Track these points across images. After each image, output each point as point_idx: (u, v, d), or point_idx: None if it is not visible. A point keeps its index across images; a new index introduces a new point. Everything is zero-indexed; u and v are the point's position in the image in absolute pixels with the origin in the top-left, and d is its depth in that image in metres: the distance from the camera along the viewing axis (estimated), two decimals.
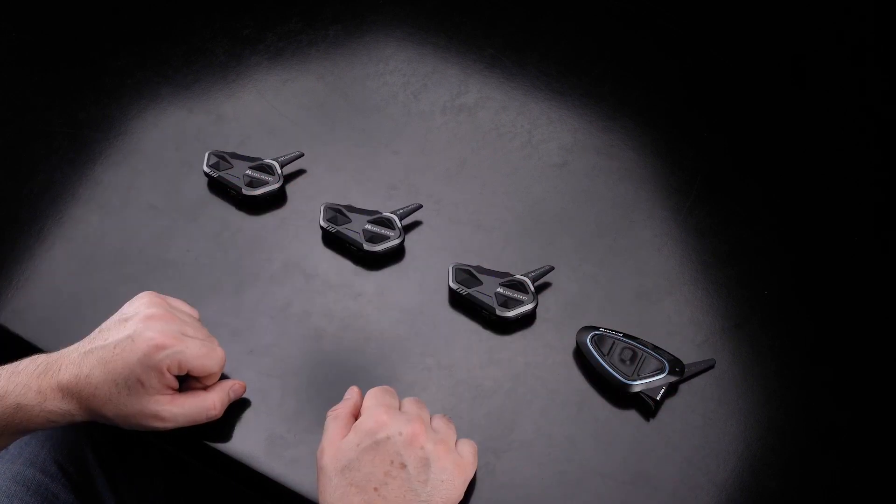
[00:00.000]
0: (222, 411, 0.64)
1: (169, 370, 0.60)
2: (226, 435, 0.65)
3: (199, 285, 0.73)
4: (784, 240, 0.75)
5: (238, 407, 0.66)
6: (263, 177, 0.76)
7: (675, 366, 0.65)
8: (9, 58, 0.90)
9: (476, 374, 0.67)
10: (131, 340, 0.59)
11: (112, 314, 0.63)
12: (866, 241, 0.75)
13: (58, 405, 0.60)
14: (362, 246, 0.72)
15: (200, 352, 0.61)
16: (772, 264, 0.73)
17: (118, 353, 0.59)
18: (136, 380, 0.59)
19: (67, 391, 0.59)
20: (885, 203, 0.78)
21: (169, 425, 0.61)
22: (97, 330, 0.63)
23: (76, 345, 0.62)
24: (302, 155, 0.79)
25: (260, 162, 0.77)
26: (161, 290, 0.65)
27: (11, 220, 0.77)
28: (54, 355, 0.62)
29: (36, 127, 0.84)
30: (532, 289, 0.69)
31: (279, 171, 0.77)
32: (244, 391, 0.66)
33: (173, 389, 0.61)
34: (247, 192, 0.76)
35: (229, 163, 0.77)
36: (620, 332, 0.67)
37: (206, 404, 0.62)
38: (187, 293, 0.71)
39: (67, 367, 0.60)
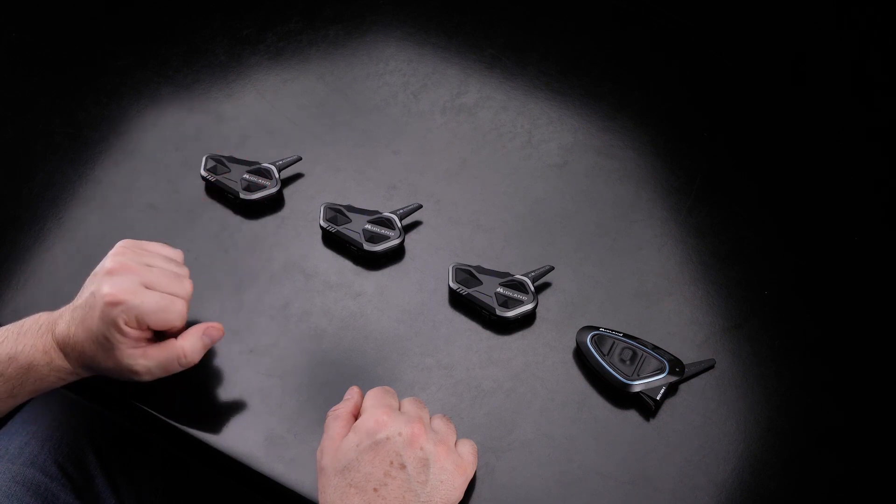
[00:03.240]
0: (197, 357, 0.63)
1: (127, 325, 0.59)
2: (225, 435, 0.65)
3: (199, 285, 0.72)
4: (784, 240, 0.75)
5: (238, 407, 0.66)
6: (261, 181, 0.76)
7: (675, 366, 0.65)
8: (9, 58, 0.90)
9: (476, 374, 0.67)
10: (93, 296, 0.59)
11: None
12: (866, 241, 0.75)
13: (62, 363, 0.60)
14: (362, 246, 0.72)
15: (158, 306, 0.59)
16: (772, 264, 0.73)
17: (88, 310, 0.59)
18: (103, 336, 0.58)
19: (64, 349, 0.60)
20: (886, 203, 0.78)
21: (146, 377, 0.61)
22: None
23: (75, 300, 0.62)
24: (300, 159, 0.79)
25: (257, 166, 0.77)
26: None
27: (11, 220, 0.77)
28: (55, 313, 0.62)
29: (36, 127, 0.84)
30: (532, 289, 0.69)
31: (276, 175, 0.77)
32: (221, 333, 0.65)
33: (147, 341, 0.61)
34: (244, 196, 0.76)
35: (227, 167, 0.77)
36: (620, 332, 0.67)
37: (176, 352, 0.61)
38: None
39: (60, 324, 0.61)
